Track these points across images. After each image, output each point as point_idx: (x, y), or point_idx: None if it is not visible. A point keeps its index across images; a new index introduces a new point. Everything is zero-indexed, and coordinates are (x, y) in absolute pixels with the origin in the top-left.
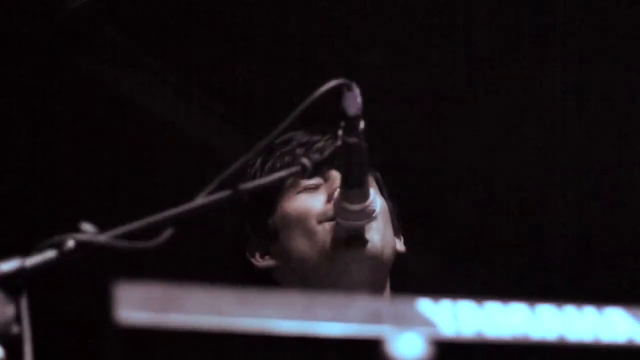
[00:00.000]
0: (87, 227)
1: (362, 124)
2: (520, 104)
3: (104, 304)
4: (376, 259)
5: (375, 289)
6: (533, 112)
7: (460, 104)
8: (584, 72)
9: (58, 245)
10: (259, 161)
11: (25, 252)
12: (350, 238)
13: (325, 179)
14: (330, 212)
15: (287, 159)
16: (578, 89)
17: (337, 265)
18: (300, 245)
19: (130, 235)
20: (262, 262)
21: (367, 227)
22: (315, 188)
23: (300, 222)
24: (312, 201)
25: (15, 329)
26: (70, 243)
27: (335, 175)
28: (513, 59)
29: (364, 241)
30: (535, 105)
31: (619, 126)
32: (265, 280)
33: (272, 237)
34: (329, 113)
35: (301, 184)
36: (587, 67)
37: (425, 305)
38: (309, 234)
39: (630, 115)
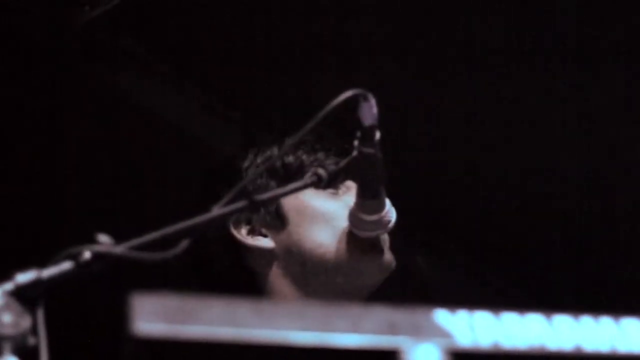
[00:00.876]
0: (104, 238)
1: (377, 135)
2: (531, 104)
3: (121, 315)
4: (390, 269)
5: (367, 298)
6: (553, 115)
7: (471, 107)
8: (585, 71)
9: (74, 257)
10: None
11: (42, 264)
12: (372, 246)
13: (341, 187)
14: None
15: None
16: (579, 88)
17: (355, 268)
18: (323, 240)
19: (146, 247)
20: (250, 239)
21: (381, 239)
22: (334, 193)
23: (328, 222)
24: (336, 205)
25: (31, 341)
26: (87, 254)
27: (351, 184)
28: (513, 58)
29: (382, 250)
30: (549, 106)
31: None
32: (232, 254)
33: (276, 221)
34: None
35: None
36: (588, 67)
37: (441, 316)
38: (337, 233)
39: (632, 115)
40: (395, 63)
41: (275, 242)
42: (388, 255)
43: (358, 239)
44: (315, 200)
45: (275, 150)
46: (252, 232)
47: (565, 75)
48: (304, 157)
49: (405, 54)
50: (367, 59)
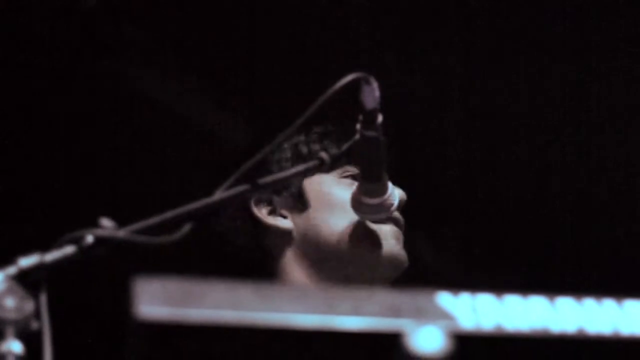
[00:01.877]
0: (106, 222)
1: (380, 118)
2: (528, 100)
3: (124, 299)
4: (403, 266)
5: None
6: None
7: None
8: (584, 74)
9: (77, 241)
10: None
11: (45, 248)
12: (383, 240)
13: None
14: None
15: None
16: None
17: (366, 259)
18: (339, 228)
19: (149, 231)
20: (270, 219)
21: (399, 236)
22: (355, 182)
23: (346, 210)
24: None
25: (34, 325)
26: (89, 238)
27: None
28: (514, 60)
29: (393, 244)
30: (548, 104)
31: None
32: (249, 232)
33: (298, 203)
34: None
35: (347, 169)
36: (587, 69)
37: (445, 299)
38: (353, 223)
39: (632, 116)
40: (399, 55)
41: (294, 224)
42: (401, 252)
43: (372, 232)
44: (335, 189)
45: (301, 137)
46: (272, 212)
47: (563, 71)
48: (328, 146)
49: (407, 47)
50: (372, 51)
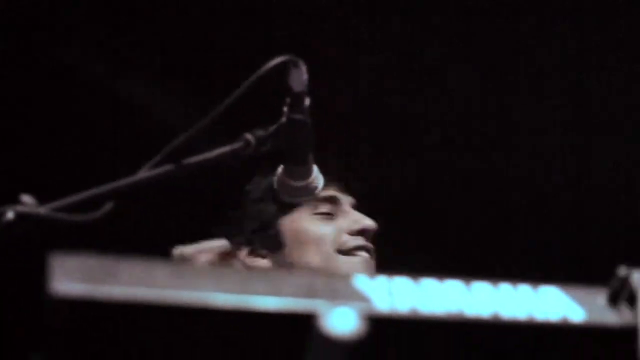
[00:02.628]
0: (27, 199)
1: (307, 101)
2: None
3: (40, 275)
4: None
5: None
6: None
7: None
8: (583, 76)
9: None
10: None
11: None
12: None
13: (337, 211)
14: (348, 244)
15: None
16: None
17: None
18: (311, 263)
19: (70, 208)
20: (248, 260)
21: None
22: (329, 217)
23: (318, 245)
24: (328, 229)
25: None
26: (10, 215)
27: (348, 209)
28: (513, 62)
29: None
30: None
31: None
32: None
33: (274, 245)
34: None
35: (318, 207)
36: (585, 72)
37: (360, 281)
38: (326, 258)
39: (630, 117)
40: (391, 65)
41: (273, 263)
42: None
43: (343, 265)
44: (309, 224)
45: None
46: (252, 252)
47: (564, 78)
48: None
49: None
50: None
